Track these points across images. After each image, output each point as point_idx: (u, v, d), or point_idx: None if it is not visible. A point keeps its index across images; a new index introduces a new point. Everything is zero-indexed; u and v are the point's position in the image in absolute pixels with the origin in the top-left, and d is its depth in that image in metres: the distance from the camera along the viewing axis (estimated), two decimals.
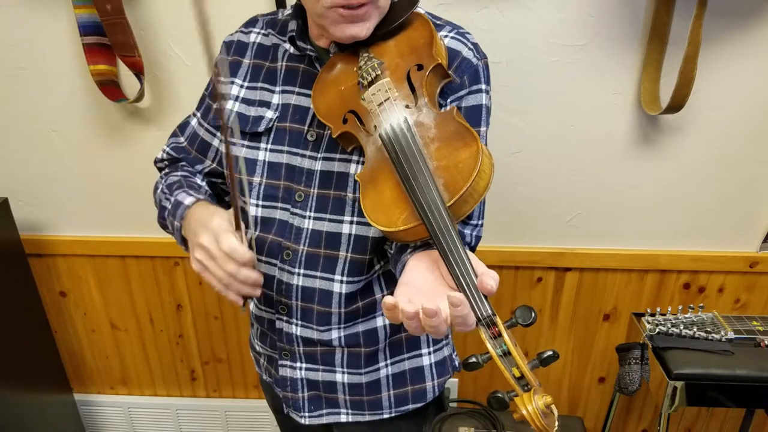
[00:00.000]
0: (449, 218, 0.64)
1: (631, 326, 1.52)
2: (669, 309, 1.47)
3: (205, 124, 0.95)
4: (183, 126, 0.99)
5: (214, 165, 0.97)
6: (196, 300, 1.72)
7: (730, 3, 1.25)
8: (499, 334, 0.59)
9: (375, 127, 0.75)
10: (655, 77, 1.30)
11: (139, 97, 1.39)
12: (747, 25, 1.27)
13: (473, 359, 0.60)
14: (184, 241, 0.86)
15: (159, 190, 0.94)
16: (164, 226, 0.93)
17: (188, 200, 0.86)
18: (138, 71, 1.35)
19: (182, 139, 0.98)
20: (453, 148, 0.68)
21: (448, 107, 0.78)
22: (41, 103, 1.46)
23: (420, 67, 0.76)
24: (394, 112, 0.74)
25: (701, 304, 1.47)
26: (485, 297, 0.61)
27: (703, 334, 1.37)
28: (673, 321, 1.42)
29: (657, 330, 1.40)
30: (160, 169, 1.03)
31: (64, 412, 1.83)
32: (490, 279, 0.61)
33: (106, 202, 1.58)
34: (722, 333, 1.37)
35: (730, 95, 1.34)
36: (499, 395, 0.58)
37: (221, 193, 1.01)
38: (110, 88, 1.39)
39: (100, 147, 1.51)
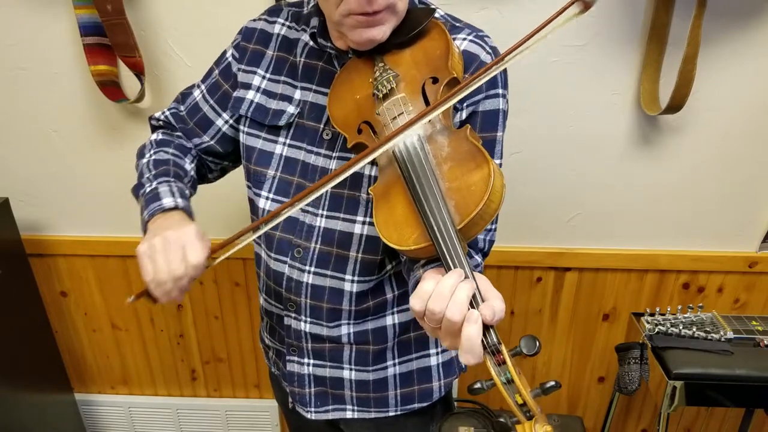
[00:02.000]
0: (458, 241, 0.64)
1: (631, 326, 1.52)
2: (668, 309, 1.47)
3: (211, 101, 0.94)
4: (185, 95, 0.97)
5: (212, 143, 0.95)
6: (197, 300, 1.72)
7: (730, 3, 1.25)
8: (504, 362, 0.59)
9: None
10: (654, 77, 1.30)
11: (140, 97, 1.39)
12: (746, 25, 1.27)
13: (478, 384, 0.61)
14: (144, 229, 0.86)
15: (145, 159, 0.93)
16: (134, 196, 0.92)
17: (167, 202, 0.84)
18: (138, 71, 1.35)
19: (182, 108, 0.97)
20: (465, 169, 0.67)
21: (463, 126, 0.76)
22: (41, 103, 1.46)
23: (435, 80, 0.74)
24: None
25: (700, 304, 1.47)
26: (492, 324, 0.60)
27: (703, 334, 1.38)
28: (673, 321, 1.42)
29: (656, 330, 1.40)
30: (152, 127, 1.00)
31: (64, 411, 1.83)
32: (489, 310, 0.60)
33: (107, 202, 1.58)
34: (721, 333, 1.37)
35: (729, 95, 1.34)
36: (502, 420, 0.59)
37: (206, 173, 1.00)
38: (111, 88, 1.39)
39: (101, 147, 1.51)
